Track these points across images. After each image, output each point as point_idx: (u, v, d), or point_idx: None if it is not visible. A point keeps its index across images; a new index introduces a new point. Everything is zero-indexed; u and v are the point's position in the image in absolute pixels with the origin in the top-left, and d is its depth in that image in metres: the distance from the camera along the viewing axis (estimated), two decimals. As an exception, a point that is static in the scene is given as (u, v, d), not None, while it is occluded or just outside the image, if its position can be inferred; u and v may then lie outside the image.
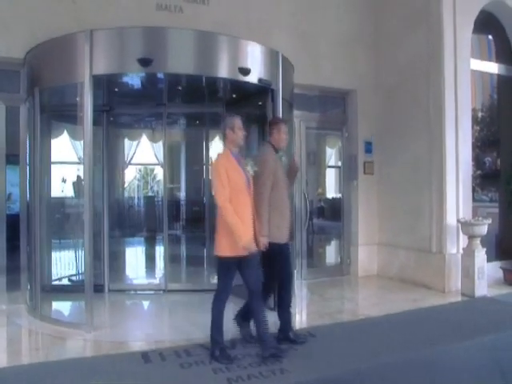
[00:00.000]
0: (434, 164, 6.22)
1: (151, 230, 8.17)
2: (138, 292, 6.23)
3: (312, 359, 3.69)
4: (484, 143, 7.42)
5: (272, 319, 3.93)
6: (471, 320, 4.83)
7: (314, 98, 7.20)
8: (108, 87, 5.69)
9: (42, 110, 4.96)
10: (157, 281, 6.81)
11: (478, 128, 7.37)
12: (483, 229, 5.80)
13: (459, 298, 5.78)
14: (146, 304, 6.01)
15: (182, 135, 8.41)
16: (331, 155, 8.22)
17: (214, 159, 8.99)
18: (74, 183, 6.42)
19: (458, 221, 6.01)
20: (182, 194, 8.41)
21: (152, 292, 6.20)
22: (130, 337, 4.37)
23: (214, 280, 6.81)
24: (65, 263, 6.44)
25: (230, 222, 3.52)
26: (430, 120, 6.28)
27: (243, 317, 4.03)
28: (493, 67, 7.16)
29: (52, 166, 6.10)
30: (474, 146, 6.69)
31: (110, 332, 4.47)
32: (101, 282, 5.91)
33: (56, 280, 6.26)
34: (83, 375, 3.39)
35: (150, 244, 8.21)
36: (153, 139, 8.74)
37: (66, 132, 6.68)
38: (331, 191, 8.06)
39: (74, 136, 6.50)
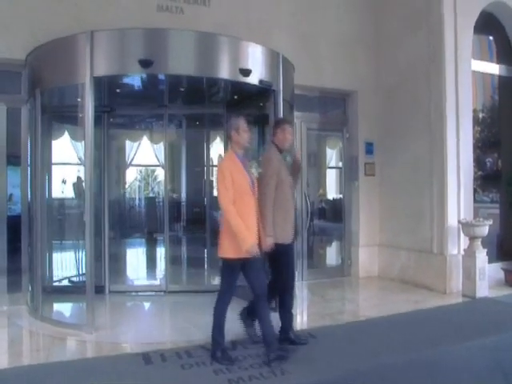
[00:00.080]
0: (435, 165, 6.21)
1: (152, 231, 8.18)
2: (139, 293, 6.23)
3: (313, 360, 3.68)
4: (485, 144, 7.41)
5: (273, 320, 3.92)
6: (472, 321, 4.83)
7: (314, 99, 7.21)
8: (109, 88, 5.70)
9: (43, 111, 4.97)
10: (157, 282, 6.80)
11: (479, 129, 7.36)
12: (484, 230, 5.79)
13: (460, 299, 5.77)
14: (146, 305, 6.01)
15: (183, 136, 8.41)
16: (332, 156, 8.22)
17: (216, 160, 9.04)
18: (74, 184, 6.43)
19: (459, 222, 6.01)
20: (183, 195, 8.40)
21: (153, 293, 6.20)
22: (130, 338, 4.36)
23: (215, 281, 6.85)
24: (65, 264, 6.44)
25: (233, 225, 3.51)
26: (431, 121, 6.28)
27: (249, 314, 4.02)
28: (494, 68, 7.16)
29: (53, 167, 6.11)
30: (475, 147, 6.68)
31: (111, 333, 4.47)
32: (101, 283, 5.91)
33: (57, 281, 6.26)
34: (84, 376, 3.39)
35: (151, 245, 8.21)
36: (153, 140, 8.75)
37: (66, 133, 6.69)
38: (332, 192, 8.06)
39: (74, 137, 6.51)
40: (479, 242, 5.82)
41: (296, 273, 5.88)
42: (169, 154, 6.60)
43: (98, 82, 4.68)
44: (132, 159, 9.14)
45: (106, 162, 6.23)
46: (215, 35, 5.02)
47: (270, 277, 4.10)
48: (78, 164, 6.51)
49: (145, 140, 8.88)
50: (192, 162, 8.57)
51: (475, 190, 6.78)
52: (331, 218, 7.89)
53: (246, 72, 4.88)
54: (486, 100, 7.67)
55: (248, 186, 3.65)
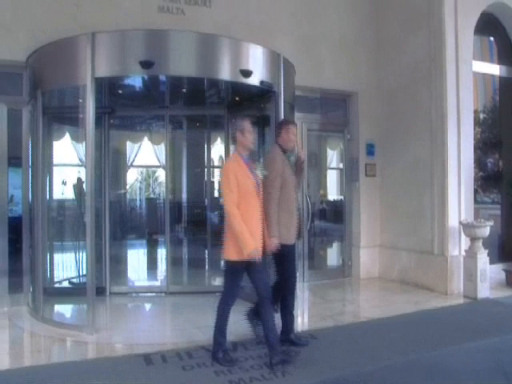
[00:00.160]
0: (436, 166, 6.21)
1: (152, 232, 8.18)
2: (140, 294, 6.23)
3: (314, 361, 3.68)
4: (486, 145, 7.41)
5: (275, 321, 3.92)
6: (473, 322, 4.82)
7: (315, 100, 7.20)
8: (110, 90, 5.70)
9: (44, 112, 4.98)
10: (158, 283, 6.81)
11: (480, 130, 7.36)
12: (485, 231, 5.78)
13: (461, 301, 5.76)
14: (147, 306, 6.02)
15: (184, 137, 8.42)
16: (333, 157, 8.22)
17: (217, 161, 9.03)
18: (74, 185, 6.43)
19: (460, 223, 6.00)
20: (184, 196, 8.41)
21: (153, 294, 6.20)
22: (131, 339, 4.35)
23: (216, 282, 6.86)
24: (66, 265, 6.44)
25: (235, 229, 3.50)
26: (432, 122, 6.28)
27: (255, 314, 4.00)
28: (494, 69, 7.16)
29: (54, 168, 6.11)
30: (476, 148, 6.69)
31: (112, 334, 4.47)
32: (102, 284, 5.91)
33: (58, 282, 6.27)
34: (85, 377, 3.39)
35: (152, 246, 8.22)
36: (154, 141, 8.76)
37: (68, 134, 6.70)
38: (333, 193, 8.06)
39: (75, 138, 6.52)
40: (480, 243, 5.82)
41: (297, 274, 5.89)
42: (170, 155, 6.59)
43: (99, 83, 4.69)
44: (133, 160, 9.15)
45: (106, 163, 6.23)
46: (216, 36, 5.02)
47: (276, 278, 4.09)
48: (78, 165, 6.52)
49: (145, 141, 8.89)
50: (193, 163, 8.58)
51: (476, 191, 6.78)
52: (332, 218, 7.89)
53: (247, 73, 4.88)
54: (487, 101, 7.67)
55: (253, 188, 3.63)
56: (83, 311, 4.69)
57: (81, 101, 4.73)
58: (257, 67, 5.02)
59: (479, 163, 7.11)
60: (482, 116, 7.52)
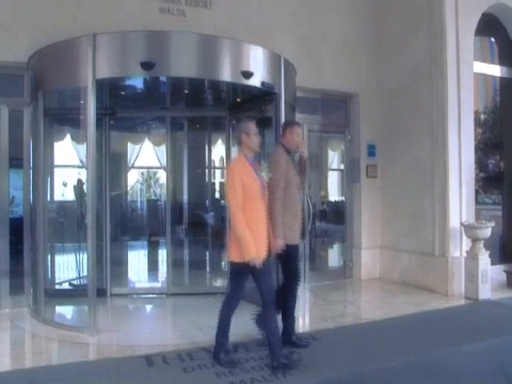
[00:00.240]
0: (437, 167, 6.21)
1: (153, 234, 8.18)
2: (141, 296, 6.23)
3: (315, 362, 3.67)
4: (487, 146, 7.41)
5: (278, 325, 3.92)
6: (475, 323, 4.81)
7: (316, 101, 7.20)
8: (111, 91, 5.71)
9: (46, 113, 4.99)
10: (159, 284, 6.81)
11: (481, 130, 7.36)
12: (486, 232, 5.78)
13: (463, 302, 5.75)
14: (148, 307, 6.01)
15: (185, 139, 8.43)
16: (334, 158, 8.22)
17: (218, 163, 9.01)
18: (74, 187, 6.43)
19: (461, 224, 6.00)
20: (185, 198, 8.42)
21: (154, 296, 6.20)
22: (132, 340, 4.35)
23: (217, 283, 6.86)
24: (67, 267, 6.45)
25: (238, 233, 3.47)
26: (433, 123, 6.27)
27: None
28: (495, 70, 7.16)
29: (55, 169, 6.11)
30: (477, 149, 6.68)
31: (113, 336, 4.47)
32: (103, 285, 5.90)
33: (59, 283, 6.27)
34: (86, 379, 3.39)
35: (153, 247, 8.22)
36: (155, 143, 8.77)
37: (68, 135, 6.70)
38: (334, 194, 8.06)
39: (76, 139, 6.52)
40: (481, 244, 5.81)
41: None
42: (170, 156, 6.59)
43: (100, 85, 4.70)
44: (134, 162, 9.16)
45: (107, 165, 6.23)
46: (217, 37, 5.02)
47: (282, 280, 4.08)
48: (79, 167, 6.53)
49: (146, 142, 8.91)
50: (194, 165, 8.59)
51: (477, 192, 6.77)
52: (333, 220, 7.89)
53: (248, 74, 4.88)
54: (488, 102, 7.67)
55: (258, 190, 3.60)
56: (84, 312, 4.69)
57: (82, 102, 4.73)
58: (257, 68, 5.02)
59: (480, 164, 7.10)
60: (482, 117, 7.52)
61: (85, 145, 4.69)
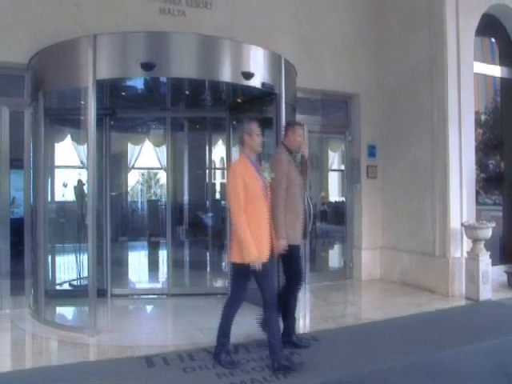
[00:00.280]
0: (438, 167, 6.21)
1: (154, 234, 8.18)
2: (141, 296, 6.23)
3: (315, 363, 3.67)
4: (487, 146, 7.40)
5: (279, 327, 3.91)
6: (475, 324, 4.81)
7: (316, 102, 7.20)
8: (111, 91, 5.71)
9: (46, 114, 4.99)
10: (160, 285, 6.80)
11: (481, 131, 7.35)
12: (487, 232, 5.77)
13: (463, 302, 5.75)
14: (149, 308, 6.01)
15: (185, 139, 8.44)
16: (334, 159, 8.22)
17: (219, 163, 9.01)
18: (75, 187, 6.44)
19: (462, 224, 5.99)
20: (185, 198, 8.42)
21: (155, 296, 6.20)
22: (133, 341, 4.35)
23: (217, 284, 6.86)
24: (68, 267, 6.45)
25: (239, 235, 3.46)
26: (433, 123, 6.27)
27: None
28: (495, 70, 7.16)
29: (56, 170, 6.11)
30: (477, 149, 6.67)
31: (114, 336, 4.46)
32: (103, 286, 5.90)
33: (59, 284, 6.27)
34: (86, 379, 3.39)
35: (153, 248, 8.22)
36: (155, 143, 8.77)
37: (69, 136, 6.71)
38: (334, 195, 8.06)
39: (77, 140, 6.53)
40: (482, 245, 5.81)
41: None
42: (171, 157, 6.59)
43: (101, 85, 4.70)
44: (134, 162, 9.16)
45: (107, 165, 6.23)
46: (217, 38, 5.02)
47: (284, 281, 4.08)
48: (79, 167, 6.54)
49: (147, 143, 8.90)
50: (194, 165, 8.59)
51: (478, 193, 6.77)
52: (333, 220, 7.89)
53: (248, 75, 4.88)
54: (488, 102, 7.67)
55: (261, 190, 3.59)
56: (85, 313, 4.69)
57: (82, 103, 4.73)
58: (258, 69, 5.02)
59: (481, 164, 7.09)
60: (483, 117, 7.51)
61: (85, 145, 4.69)
